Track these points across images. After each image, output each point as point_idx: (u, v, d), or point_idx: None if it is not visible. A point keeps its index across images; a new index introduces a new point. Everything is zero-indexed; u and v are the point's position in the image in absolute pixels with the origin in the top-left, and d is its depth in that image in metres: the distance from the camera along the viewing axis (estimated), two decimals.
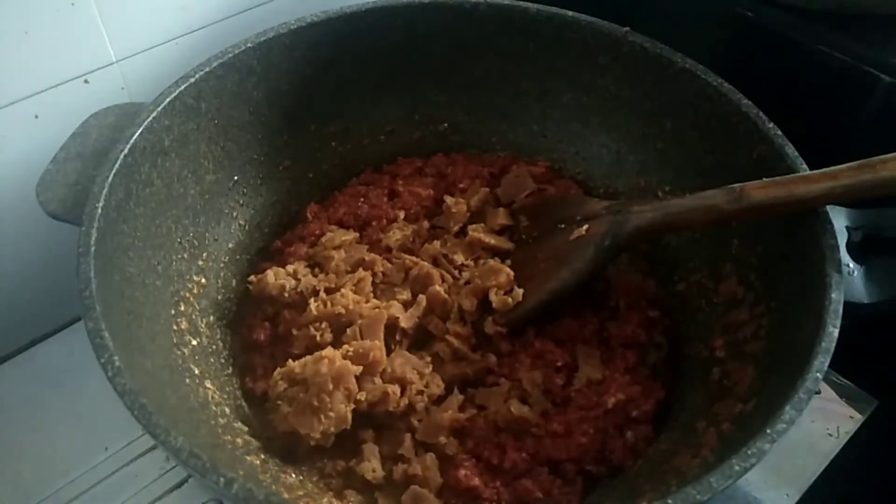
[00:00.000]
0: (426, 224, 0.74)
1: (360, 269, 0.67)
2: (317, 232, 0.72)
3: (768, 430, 0.44)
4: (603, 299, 0.68)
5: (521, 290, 0.64)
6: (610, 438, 0.58)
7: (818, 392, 0.47)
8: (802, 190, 0.54)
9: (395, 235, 0.72)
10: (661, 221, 0.60)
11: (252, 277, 0.68)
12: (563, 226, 0.66)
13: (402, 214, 0.74)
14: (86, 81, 0.72)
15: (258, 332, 0.65)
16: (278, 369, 0.59)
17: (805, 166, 0.58)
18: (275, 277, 0.66)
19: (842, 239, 0.55)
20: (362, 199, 0.75)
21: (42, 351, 0.74)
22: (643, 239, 0.65)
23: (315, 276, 0.68)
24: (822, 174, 0.53)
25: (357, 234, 0.72)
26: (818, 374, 0.47)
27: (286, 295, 0.65)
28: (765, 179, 0.56)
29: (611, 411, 0.59)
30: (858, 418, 0.66)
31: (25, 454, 0.66)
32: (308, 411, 0.56)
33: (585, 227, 0.64)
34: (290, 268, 0.68)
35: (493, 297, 0.64)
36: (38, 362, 0.73)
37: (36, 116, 0.70)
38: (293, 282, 0.66)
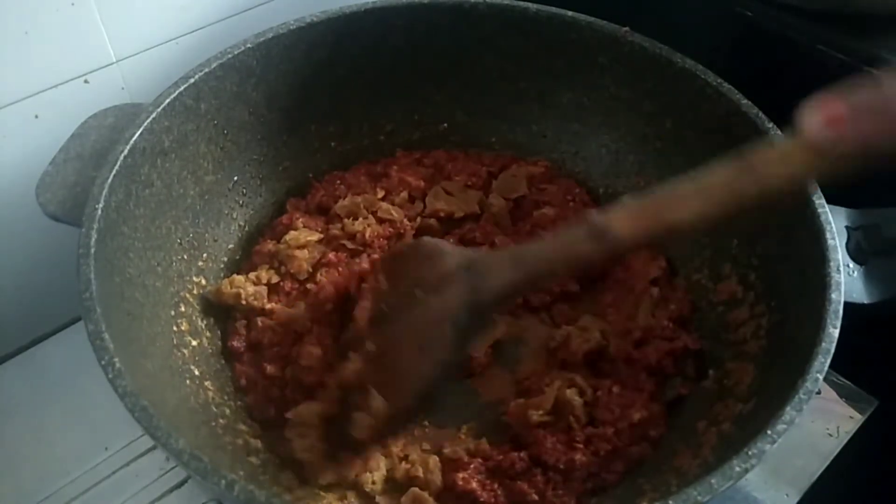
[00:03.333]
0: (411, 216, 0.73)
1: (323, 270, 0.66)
2: (286, 222, 0.71)
3: (769, 431, 0.45)
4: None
5: (382, 403, 0.53)
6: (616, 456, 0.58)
7: (818, 392, 0.47)
8: (675, 216, 0.45)
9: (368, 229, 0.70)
10: (523, 280, 0.50)
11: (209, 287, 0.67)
12: (418, 292, 0.54)
13: (381, 193, 0.73)
14: (86, 81, 0.72)
15: (234, 338, 0.64)
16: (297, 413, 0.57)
17: None
18: (230, 286, 0.65)
19: (841, 239, 0.56)
20: (339, 182, 0.75)
21: (42, 351, 0.74)
22: (507, 302, 0.58)
23: (280, 275, 0.67)
24: (695, 190, 0.45)
25: (320, 235, 0.70)
26: (818, 375, 0.47)
27: (244, 302, 0.64)
28: (628, 203, 0.47)
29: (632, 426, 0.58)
30: (858, 418, 0.66)
31: (25, 454, 0.66)
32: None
33: (440, 298, 0.52)
34: (252, 274, 0.67)
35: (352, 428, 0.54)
36: (38, 362, 0.73)
37: (36, 116, 0.70)
38: (251, 288, 0.65)
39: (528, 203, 0.76)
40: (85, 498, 0.63)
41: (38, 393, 0.70)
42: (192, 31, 0.77)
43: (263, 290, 0.66)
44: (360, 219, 0.71)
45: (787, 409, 0.45)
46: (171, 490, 0.63)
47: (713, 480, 0.43)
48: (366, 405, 0.52)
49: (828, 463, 0.64)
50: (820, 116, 0.39)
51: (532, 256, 0.50)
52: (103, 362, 0.46)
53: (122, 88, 0.75)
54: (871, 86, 0.38)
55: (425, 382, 0.51)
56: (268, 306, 0.65)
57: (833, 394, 0.67)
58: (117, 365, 0.46)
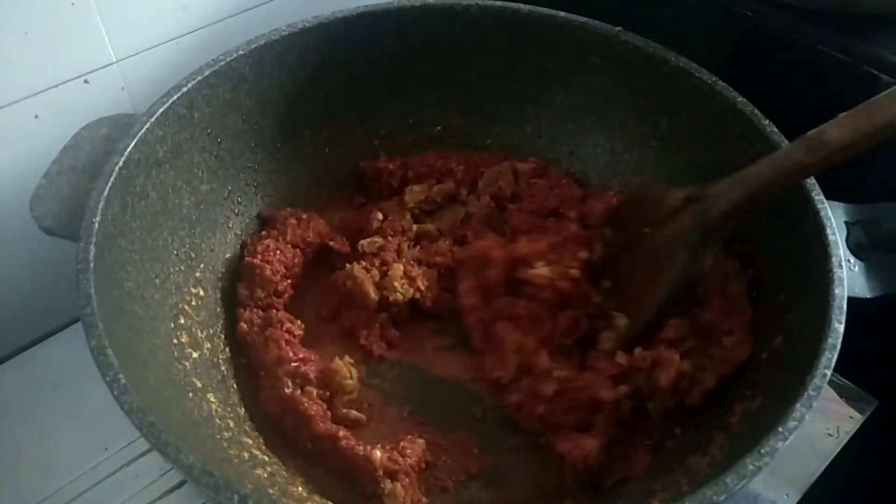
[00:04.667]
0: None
1: None
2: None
3: (780, 429, 0.45)
4: None
5: (623, 319, 0.61)
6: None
7: None
8: (885, 115, 0.49)
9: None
10: (747, 199, 0.55)
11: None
12: (647, 230, 0.62)
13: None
14: (86, 81, 0.71)
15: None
16: None
17: None
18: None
19: (841, 234, 0.56)
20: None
21: (42, 351, 0.73)
22: (733, 222, 0.59)
23: None
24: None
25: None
26: (826, 371, 0.47)
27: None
28: (839, 116, 0.51)
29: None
30: (858, 418, 0.66)
31: (25, 454, 0.65)
32: None
33: (669, 228, 0.59)
34: None
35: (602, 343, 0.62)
36: (38, 362, 0.72)
37: (36, 116, 0.69)
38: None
39: (516, 199, 0.76)
40: (85, 498, 0.63)
41: (38, 393, 0.70)
42: (192, 32, 0.77)
43: None
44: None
45: (797, 405, 0.46)
46: (171, 490, 0.63)
47: (728, 479, 0.43)
48: (609, 325, 0.61)
49: (828, 463, 0.64)
50: None
51: (751, 177, 0.55)
52: (108, 378, 0.46)
53: (122, 88, 0.74)
54: None
55: (663, 295, 0.58)
56: None
57: (833, 394, 0.67)
58: (122, 381, 0.45)
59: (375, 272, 0.69)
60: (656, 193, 0.63)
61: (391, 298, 0.67)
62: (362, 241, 0.72)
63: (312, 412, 0.59)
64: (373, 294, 0.67)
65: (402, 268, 0.69)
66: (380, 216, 0.74)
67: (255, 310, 0.66)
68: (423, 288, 0.69)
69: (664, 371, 0.57)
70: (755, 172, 0.55)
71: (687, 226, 0.57)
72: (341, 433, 0.58)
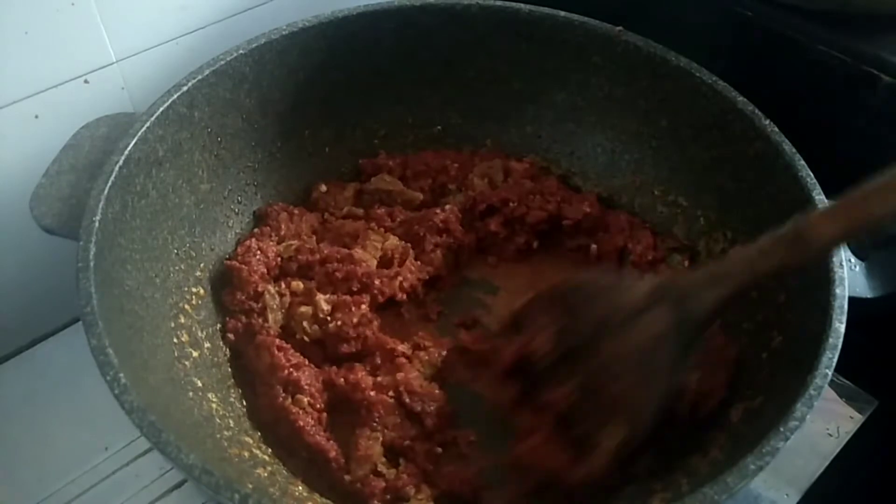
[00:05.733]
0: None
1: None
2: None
3: (781, 428, 0.45)
4: None
5: (614, 428, 0.54)
6: None
7: None
8: (879, 210, 0.43)
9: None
10: (732, 294, 0.50)
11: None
12: (610, 327, 0.55)
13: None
14: (86, 81, 0.71)
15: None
16: None
17: (803, 163, 0.58)
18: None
19: None
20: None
21: (42, 351, 0.74)
22: (720, 317, 0.54)
23: None
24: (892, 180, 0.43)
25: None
26: (827, 371, 0.47)
27: None
28: (827, 204, 0.49)
29: None
30: (858, 418, 0.66)
31: (25, 454, 0.65)
32: None
33: (641, 331, 0.53)
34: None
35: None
36: (38, 362, 0.73)
37: (36, 116, 0.69)
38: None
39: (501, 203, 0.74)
40: (85, 498, 0.63)
41: (38, 393, 0.70)
42: (192, 32, 0.77)
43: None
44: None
45: (798, 405, 0.46)
46: (171, 490, 0.63)
47: (729, 479, 0.43)
48: (597, 441, 0.54)
49: (828, 463, 0.64)
50: None
51: (735, 268, 0.50)
52: (108, 378, 0.45)
53: (122, 88, 0.74)
54: None
55: (658, 402, 0.52)
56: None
57: (833, 394, 0.68)
58: (123, 380, 0.45)
59: (287, 298, 0.65)
60: (608, 285, 0.57)
61: (296, 335, 0.64)
62: (279, 246, 0.69)
63: (302, 423, 0.58)
64: (274, 322, 0.64)
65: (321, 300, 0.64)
66: (323, 188, 0.75)
67: (238, 316, 0.65)
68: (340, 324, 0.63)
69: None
70: (737, 263, 0.50)
71: (666, 329, 0.52)
72: (333, 453, 0.57)
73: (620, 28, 0.70)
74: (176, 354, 0.58)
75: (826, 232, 0.46)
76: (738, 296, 0.50)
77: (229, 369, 0.64)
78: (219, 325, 0.66)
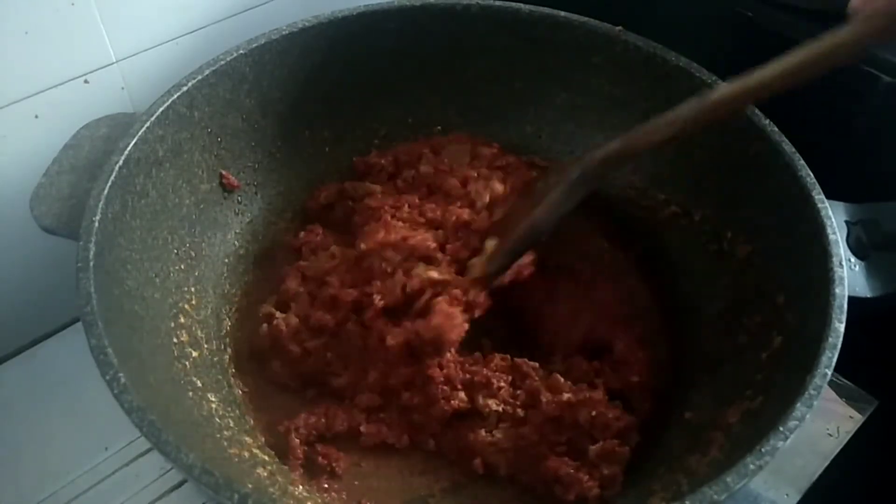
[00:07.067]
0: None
1: None
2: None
3: (780, 428, 0.45)
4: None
5: (492, 241, 0.64)
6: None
7: None
8: (768, 75, 0.52)
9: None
10: (625, 146, 0.60)
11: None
12: (539, 184, 0.68)
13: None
14: (86, 81, 0.71)
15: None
16: None
17: (802, 162, 0.58)
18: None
19: (841, 234, 0.56)
20: None
21: (42, 351, 0.74)
22: (613, 168, 0.64)
23: None
24: (784, 61, 0.52)
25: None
26: (827, 371, 0.47)
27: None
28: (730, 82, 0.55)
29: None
30: (858, 418, 0.66)
31: (25, 454, 0.66)
32: None
33: (555, 175, 0.65)
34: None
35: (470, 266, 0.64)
36: (38, 362, 0.73)
37: (36, 116, 0.70)
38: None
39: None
40: (85, 498, 0.63)
41: (38, 393, 0.70)
42: (192, 32, 0.77)
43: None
44: None
45: (798, 405, 0.46)
46: (171, 490, 0.63)
47: (728, 479, 0.43)
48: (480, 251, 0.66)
49: (828, 463, 0.64)
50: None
51: (636, 130, 0.60)
52: (108, 377, 0.45)
53: (122, 88, 0.74)
54: None
55: (535, 217, 0.63)
56: None
57: (833, 394, 0.68)
58: (122, 380, 0.45)
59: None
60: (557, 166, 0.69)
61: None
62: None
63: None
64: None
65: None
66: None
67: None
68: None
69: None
70: (641, 127, 0.60)
71: (569, 169, 0.63)
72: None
73: (620, 28, 0.70)
74: (176, 354, 0.58)
75: (724, 90, 0.54)
76: (629, 149, 0.60)
77: (231, 369, 0.64)
78: (221, 323, 0.66)
